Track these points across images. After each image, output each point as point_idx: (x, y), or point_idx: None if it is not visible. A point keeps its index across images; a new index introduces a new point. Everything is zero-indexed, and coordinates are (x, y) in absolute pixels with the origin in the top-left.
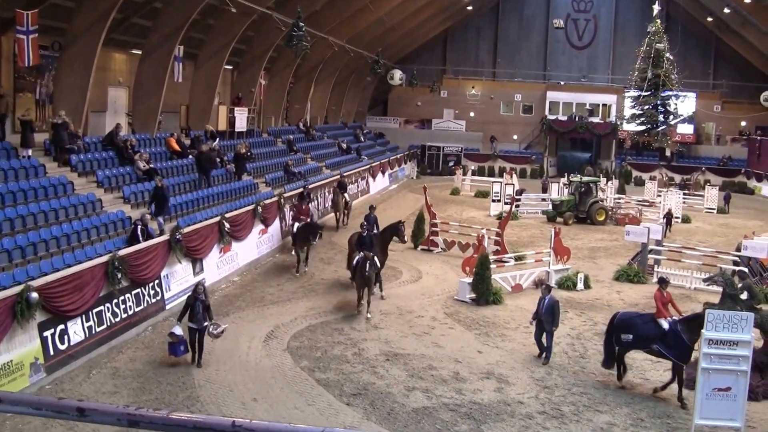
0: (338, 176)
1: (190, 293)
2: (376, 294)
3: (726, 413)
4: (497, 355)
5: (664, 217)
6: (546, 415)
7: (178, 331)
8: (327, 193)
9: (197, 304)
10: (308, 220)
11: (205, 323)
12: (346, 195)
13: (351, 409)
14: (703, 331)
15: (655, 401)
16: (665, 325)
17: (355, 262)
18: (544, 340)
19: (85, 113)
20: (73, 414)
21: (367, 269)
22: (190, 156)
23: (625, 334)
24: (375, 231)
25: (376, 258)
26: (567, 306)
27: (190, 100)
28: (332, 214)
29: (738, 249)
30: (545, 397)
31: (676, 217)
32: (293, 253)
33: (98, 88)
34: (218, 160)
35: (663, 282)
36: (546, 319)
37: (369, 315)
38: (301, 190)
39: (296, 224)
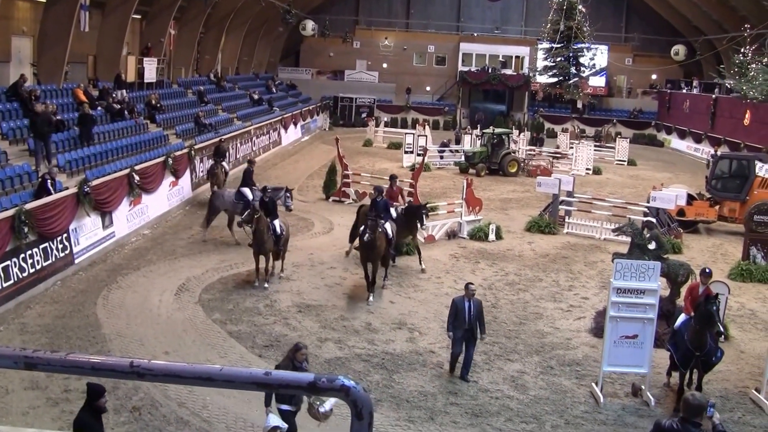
0: (217, 141)
1: (281, 360)
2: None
3: (633, 360)
4: (409, 306)
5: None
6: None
7: (279, 422)
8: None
9: None
10: (403, 204)
11: (303, 402)
12: (224, 164)
13: (263, 361)
14: (612, 280)
15: (565, 349)
16: (677, 323)
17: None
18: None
19: None
20: None
21: (264, 236)
22: (98, 108)
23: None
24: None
25: (278, 222)
26: (479, 257)
27: (97, 50)
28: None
29: (649, 201)
30: None
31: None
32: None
33: (1, 37)
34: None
35: (703, 274)
36: (474, 325)
37: (266, 285)
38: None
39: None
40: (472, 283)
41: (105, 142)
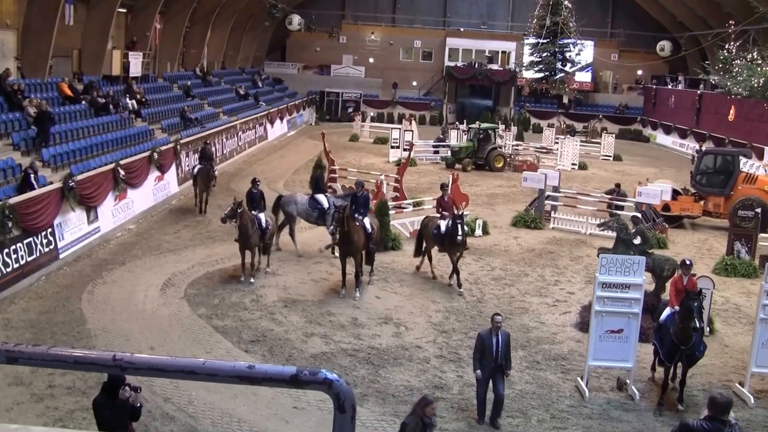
0: (202, 144)
1: (408, 416)
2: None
3: (618, 354)
4: (395, 301)
5: None
6: (443, 358)
7: None
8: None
9: None
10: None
11: None
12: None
13: (250, 356)
14: (596, 275)
15: (551, 343)
16: (662, 317)
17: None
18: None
19: None
20: None
21: (249, 231)
22: (83, 102)
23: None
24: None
25: (264, 216)
26: (465, 252)
27: (82, 44)
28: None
29: (609, 192)
30: (443, 342)
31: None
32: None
33: None
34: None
35: (683, 266)
36: (502, 360)
37: (252, 280)
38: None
39: (442, 222)
40: (499, 314)
41: (90, 136)
